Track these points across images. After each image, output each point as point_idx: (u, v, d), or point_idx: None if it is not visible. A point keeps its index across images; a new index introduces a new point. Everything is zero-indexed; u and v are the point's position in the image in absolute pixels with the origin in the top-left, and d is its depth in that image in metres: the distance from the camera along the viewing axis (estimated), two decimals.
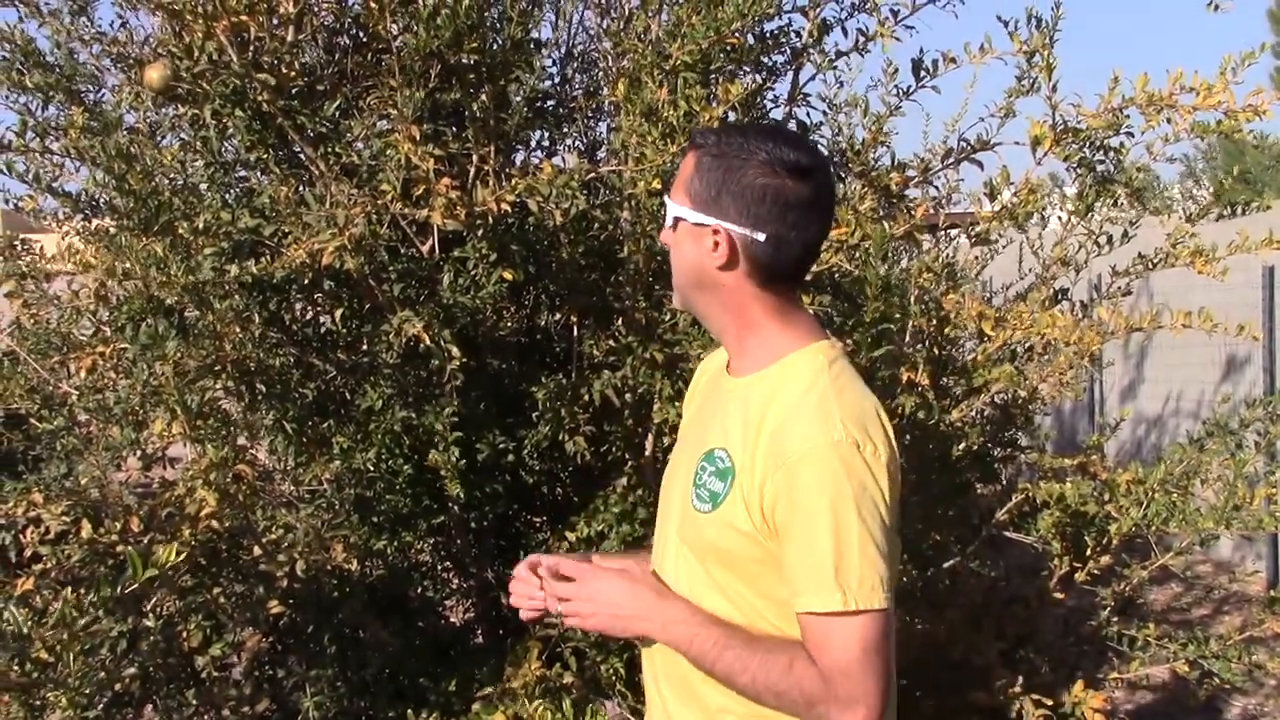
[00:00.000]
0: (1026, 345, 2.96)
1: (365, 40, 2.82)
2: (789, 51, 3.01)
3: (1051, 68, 2.66)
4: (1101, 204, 2.99)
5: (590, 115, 3.19)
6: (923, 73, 2.85)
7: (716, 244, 1.71)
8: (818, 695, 1.62)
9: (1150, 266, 3.10)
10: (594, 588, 1.80)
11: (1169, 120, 2.64)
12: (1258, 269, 7.23)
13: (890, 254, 2.46)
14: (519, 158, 3.08)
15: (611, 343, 2.81)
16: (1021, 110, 2.80)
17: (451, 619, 3.18)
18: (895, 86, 2.92)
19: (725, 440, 1.73)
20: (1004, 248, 3.82)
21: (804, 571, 1.61)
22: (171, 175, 2.68)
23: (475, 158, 2.68)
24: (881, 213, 2.84)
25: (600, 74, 3.22)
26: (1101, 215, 3.11)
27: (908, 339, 2.69)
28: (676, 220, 1.74)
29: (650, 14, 2.80)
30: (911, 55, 2.86)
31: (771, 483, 1.63)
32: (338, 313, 2.78)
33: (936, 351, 2.74)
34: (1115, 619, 3.12)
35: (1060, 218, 3.12)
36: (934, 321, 2.73)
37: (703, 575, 1.73)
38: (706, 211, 1.71)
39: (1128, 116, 2.67)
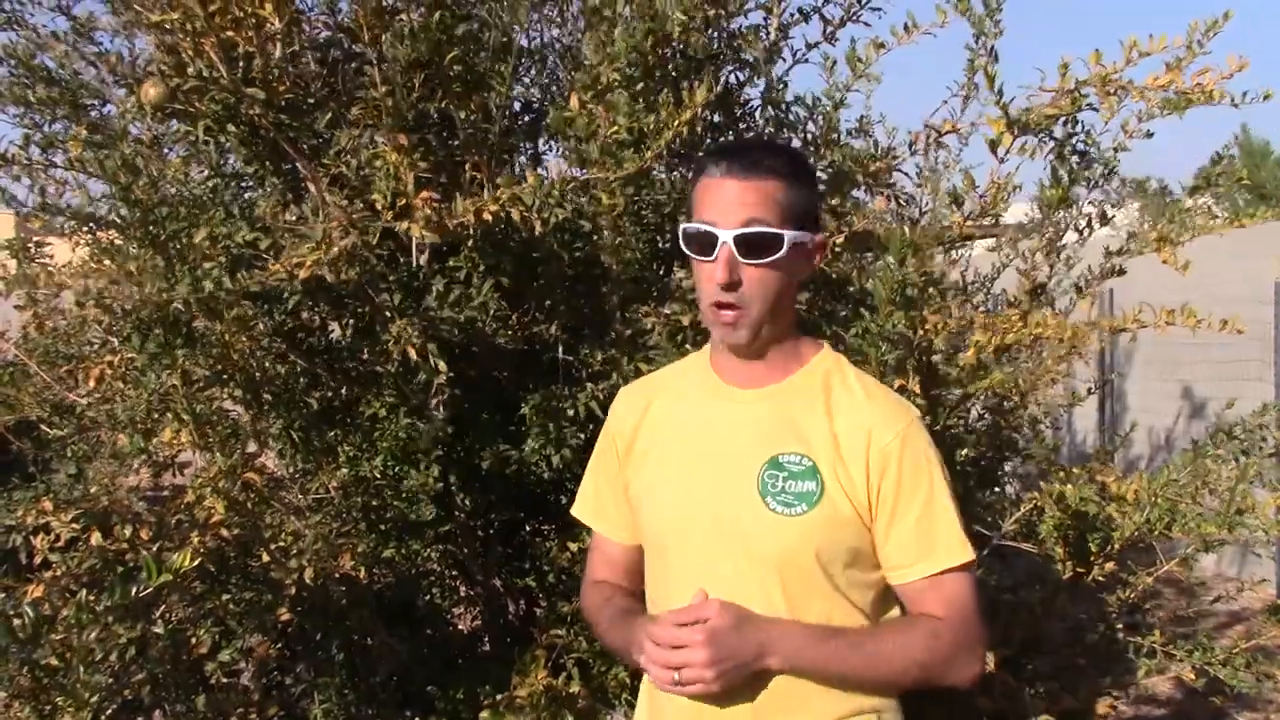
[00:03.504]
0: (1013, 351, 2.94)
1: (357, 51, 2.83)
2: (764, 48, 2.99)
3: (992, 75, 2.59)
4: (1088, 190, 2.94)
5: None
6: (857, 63, 2.81)
7: (813, 254, 1.83)
8: (957, 647, 1.74)
9: (1136, 250, 3.05)
10: (710, 650, 1.68)
11: (1141, 96, 2.60)
12: (1269, 284, 7.23)
13: (905, 260, 2.45)
14: (512, 167, 3.07)
15: (613, 351, 2.81)
16: (981, 111, 2.77)
17: (459, 627, 3.18)
18: (838, 82, 2.88)
19: (790, 444, 1.77)
20: (1011, 260, 3.80)
21: (935, 533, 1.76)
22: (175, 188, 2.70)
23: (468, 165, 2.68)
24: (848, 211, 2.84)
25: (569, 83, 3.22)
26: (1086, 194, 3.06)
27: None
28: (792, 245, 1.74)
29: (578, 34, 2.79)
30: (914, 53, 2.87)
31: (876, 460, 1.75)
32: (339, 322, 2.80)
33: (925, 360, 2.72)
34: (1121, 626, 3.12)
35: (1070, 222, 3.07)
36: (921, 330, 2.71)
37: (799, 580, 1.75)
38: (811, 229, 1.80)
39: (1085, 95, 2.62)
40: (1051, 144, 2.72)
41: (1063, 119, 2.67)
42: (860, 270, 2.87)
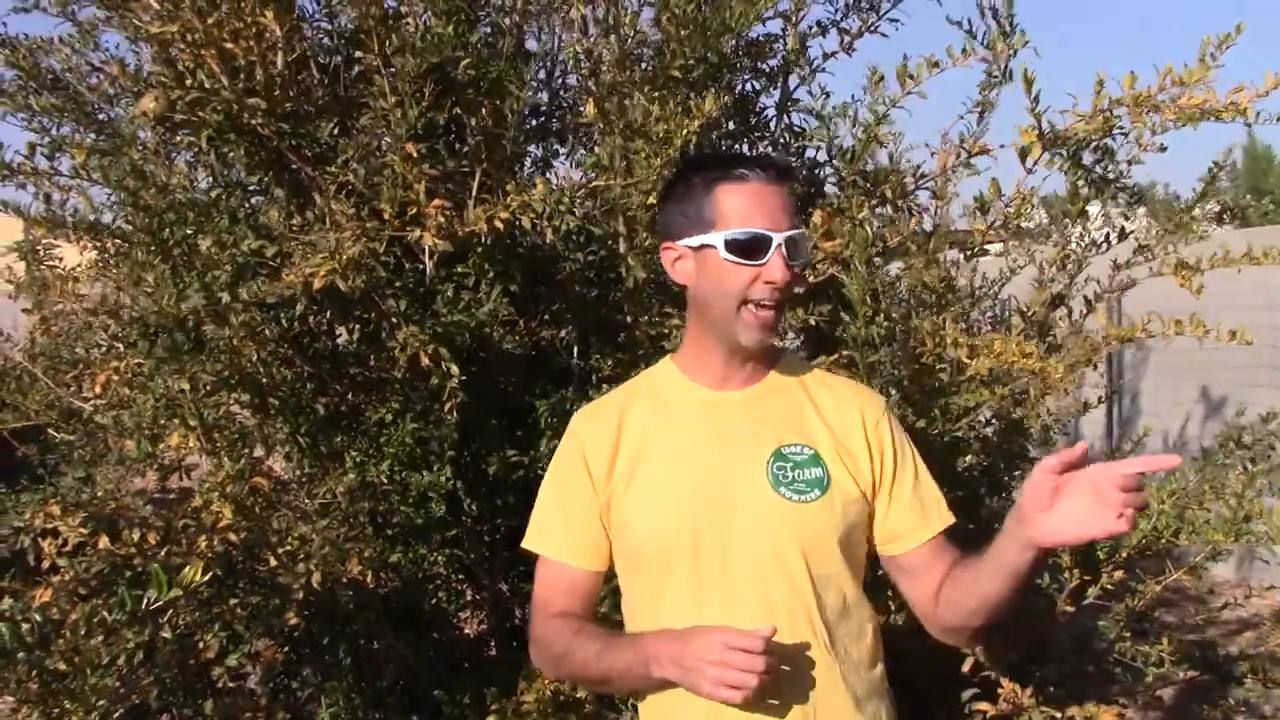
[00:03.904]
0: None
1: (359, 58, 2.83)
2: (780, 57, 3.03)
3: (1030, 79, 2.60)
4: (1102, 206, 2.97)
5: (584, 129, 3.20)
6: (908, 79, 2.82)
7: None
8: None
9: (1149, 256, 3.06)
10: None
11: (1159, 110, 2.59)
12: (1279, 290, 7.20)
13: (874, 261, 2.46)
14: (522, 173, 3.09)
15: (621, 355, 2.82)
16: (1010, 119, 2.77)
17: (465, 631, 3.18)
18: (884, 96, 2.89)
19: (789, 437, 1.85)
20: (1022, 267, 3.80)
21: (926, 499, 1.89)
22: (181, 194, 2.70)
23: (478, 173, 2.68)
24: (879, 223, 2.84)
25: (582, 89, 3.24)
26: (1104, 217, 3.09)
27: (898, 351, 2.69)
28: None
29: (628, 27, 2.79)
30: (895, 62, 2.85)
31: (874, 438, 1.87)
32: (345, 328, 2.81)
33: (920, 369, 2.71)
34: (1128, 634, 3.11)
35: (1083, 227, 3.09)
36: (917, 339, 2.70)
37: (824, 562, 1.81)
38: None
39: (1118, 117, 2.62)
40: (1071, 159, 2.72)
41: (1093, 142, 2.67)
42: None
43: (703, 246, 1.80)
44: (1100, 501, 1.55)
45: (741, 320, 1.79)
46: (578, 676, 1.95)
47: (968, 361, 2.58)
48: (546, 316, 2.91)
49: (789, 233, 1.77)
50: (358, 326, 2.83)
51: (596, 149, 2.55)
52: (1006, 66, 2.65)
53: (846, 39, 3.00)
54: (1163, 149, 2.67)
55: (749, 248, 1.76)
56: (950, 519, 1.90)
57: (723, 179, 1.80)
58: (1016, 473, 3.20)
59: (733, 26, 2.55)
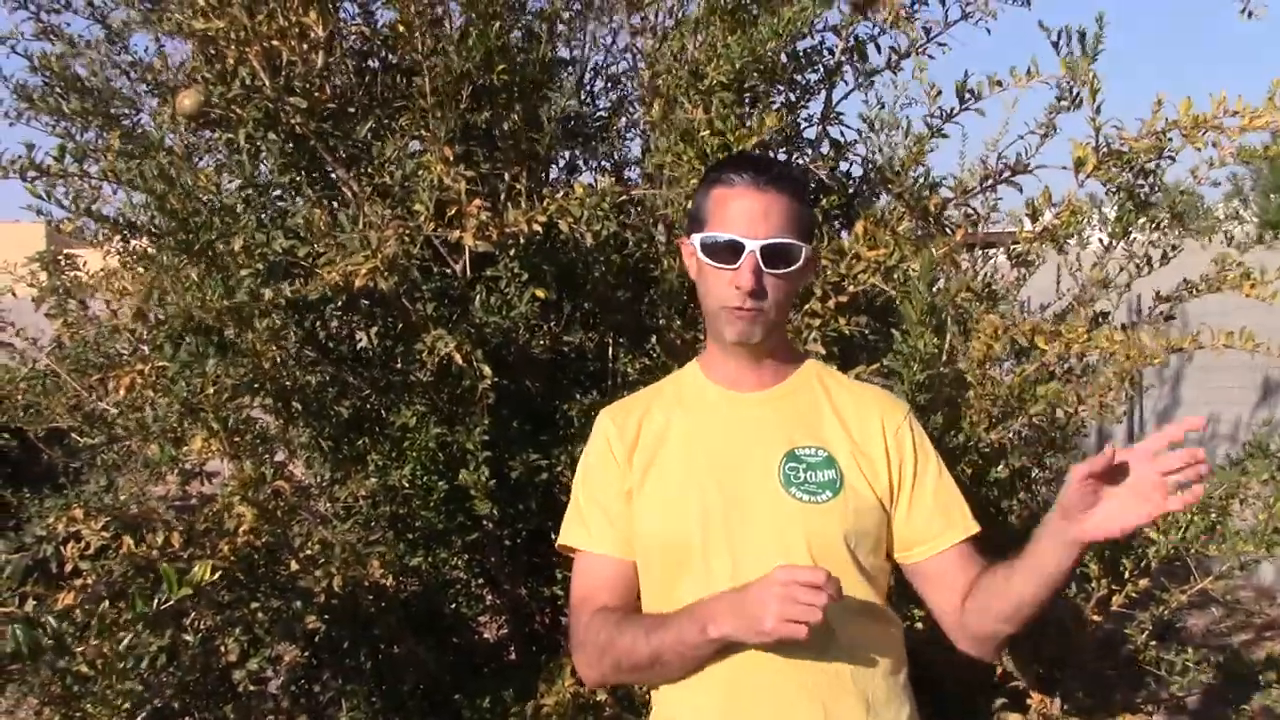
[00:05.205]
0: (1065, 367, 2.93)
1: (394, 62, 2.85)
2: (822, 70, 3.02)
3: (1096, 89, 2.61)
4: (1143, 226, 2.96)
5: (618, 134, 3.20)
6: (967, 95, 2.81)
7: (812, 266, 1.94)
8: None
9: (1195, 293, 3.07)
10: None
11: (1215, 144, 2.57)
12: None
13: (935, 276, 2.45)
14: (549, 177, 3.10)
15: (646, 360, 2.82)
16: (1064, 129, 2.75)
17: (485, 635, 3.18)
18: (939, 108, 2.88)
19: (803, 439, 1.84)
20: (1039, 265, 3.79)
21: (950, 505, 1.87)
22: (208, 197, 2.71)
23: (507, 177, 2.69)
24: (920, 233, 2.82)
25: (630, 92, 3.24)
26: (1144, 237, 3.08)
27: (944, 359, 2.67)
28: (806, 258, 1.83)
29: (687, 33, 2.81)
30: (954, 75, 2.82)
31: (894, 443, 1.85)
32: (372, 331, 2.81)
33: (980, 372, 2.70)
34: (1154, 643, 3.09)
35: (1101, 240, 3.08)
36: (968, 342, 2.69)
37: (834, 565, 1.72)
38: (809, 242, 1.86)
39: (1170, 139, 2.61)
40: (1125, 178, 2.72)
41: (1142, 164, 2.66)
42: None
43: (694, 245, 1.84)
44: (1137, 493, 1.56)
45: (721, 318, 1.83)
46: (623, 663, 1.81)
47: (1044, 348, 2.55)
48: (571, 320, 2.91)
49: (767, 240, 1.76)
50: (383, 329, 2.83)
51: (646, 155, 2.56)
52: (1078, 93, 2.62)
53: (895, 57, 2.98)
54: (1216, 184, 2.70)
55: (721, 251, 1.79)
56: (975, 527, 1.86)
57: (717, 181, 1.84)
58: (1040, 474, 3.18)
59: (779, 33, 2.54)
